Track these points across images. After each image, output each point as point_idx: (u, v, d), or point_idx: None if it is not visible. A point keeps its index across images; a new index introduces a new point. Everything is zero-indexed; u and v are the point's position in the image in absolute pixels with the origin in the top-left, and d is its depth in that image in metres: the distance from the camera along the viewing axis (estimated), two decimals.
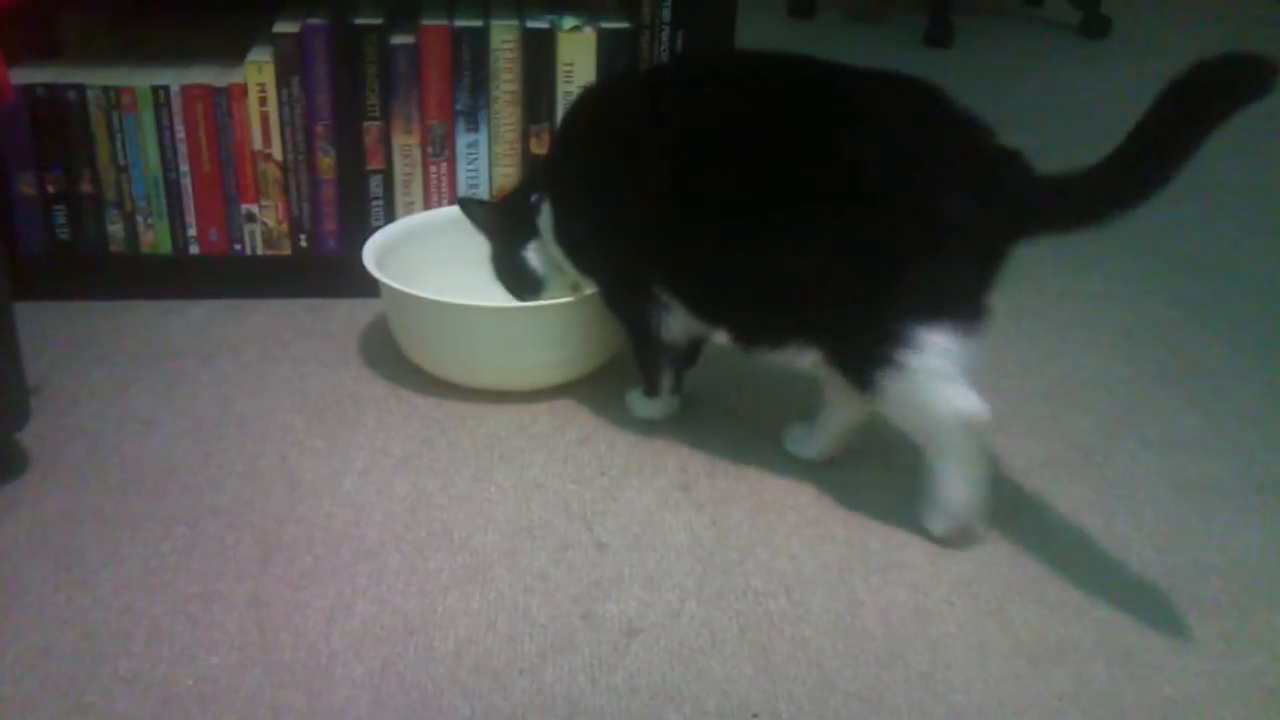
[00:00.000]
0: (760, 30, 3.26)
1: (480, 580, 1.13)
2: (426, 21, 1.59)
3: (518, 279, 1.45)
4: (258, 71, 1.56)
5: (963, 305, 1.15)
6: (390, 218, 1.63)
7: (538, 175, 1.47)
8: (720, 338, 1.29)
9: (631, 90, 1.38)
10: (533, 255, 1.43)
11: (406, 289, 1.39)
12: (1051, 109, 2.69)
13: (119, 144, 1.58)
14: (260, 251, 1.65)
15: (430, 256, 1.56)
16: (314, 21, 1.55)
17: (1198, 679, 1.03)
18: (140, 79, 1.57)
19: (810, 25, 3.45)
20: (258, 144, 1.59)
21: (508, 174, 1.64)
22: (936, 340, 1.13)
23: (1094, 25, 3.30)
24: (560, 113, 1.61)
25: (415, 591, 1.11)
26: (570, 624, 1.08)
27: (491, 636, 1.06)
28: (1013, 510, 1.25)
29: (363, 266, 1.44)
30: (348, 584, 1.12)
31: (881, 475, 1.30)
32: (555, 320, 1.40)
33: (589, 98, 1.42)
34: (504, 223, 1.46)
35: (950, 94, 1.18)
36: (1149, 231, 1.96)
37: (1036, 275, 1.80)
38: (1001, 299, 1.72)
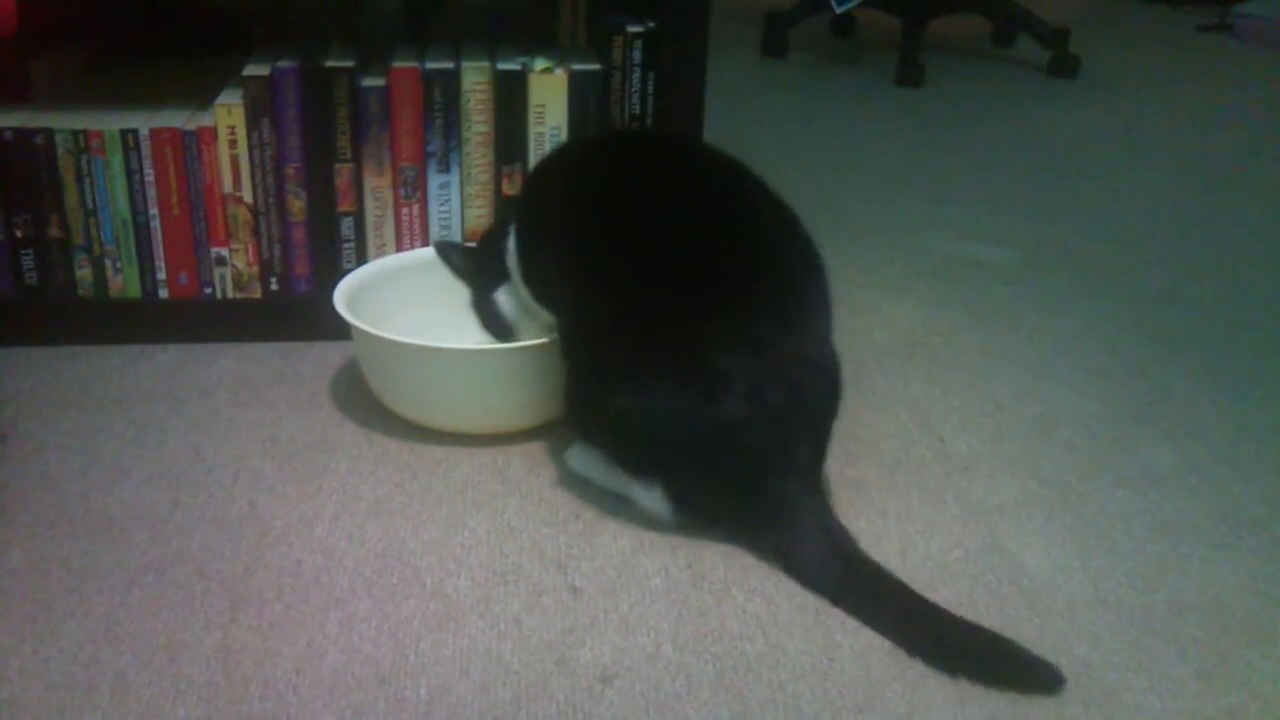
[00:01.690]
0: (732, 71, 3.29)
1: (453, 627, 1.11)
2: (397, 64, 1.58)
3: (492, 322, 1.46)
4: (228, 114, 1.56)
5: (696, 494, 1.23)
6: (362, 260, 1.62)
7: (509, 217, 1.48)
8: None
9: (583, 154, 1.45)
10: (503, 299, 1.44)
11: (378, 332, 1.38)
12: (1021, 147, 2.71)
13: (87, 188, 1.57)
14: (230, 295, 1.64)
15: (402, 299, 1.55)
16: (284, 64, 1.55)
17: (1177, 718, 1.03)
18: (109, 122, 1.56)
19: (782, 65, 3.48)
20: (228, 187, 1.59)
21: (480, 215, 1.64)
22: (646, 494, 1.24)
23: (1063, 64, 3.34)
24: (533, 154, 1.61)
25: (387, 639, 1.09)
26: (544, 670, 1.06)
27: (464, 684, 1.04)
28: (989, 549, 1.24)
29: (334, 309, 1.44)
30: (318, 632, 1.10)
31: (854, 516, 1.29)
32: (528, 362, 1.39)
33: (556, 153, 1.50)
34: (477, 266, 1.47)
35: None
36: (1120, 269, 1.98)
37: (1009, 315, 1.81)
38: (976, 341, 1.73)
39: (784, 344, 1.20)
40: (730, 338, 1.18)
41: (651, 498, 1.24)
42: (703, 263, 1.22)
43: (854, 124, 2.89)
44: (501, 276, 1.43)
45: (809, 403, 1.22)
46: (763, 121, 2.89)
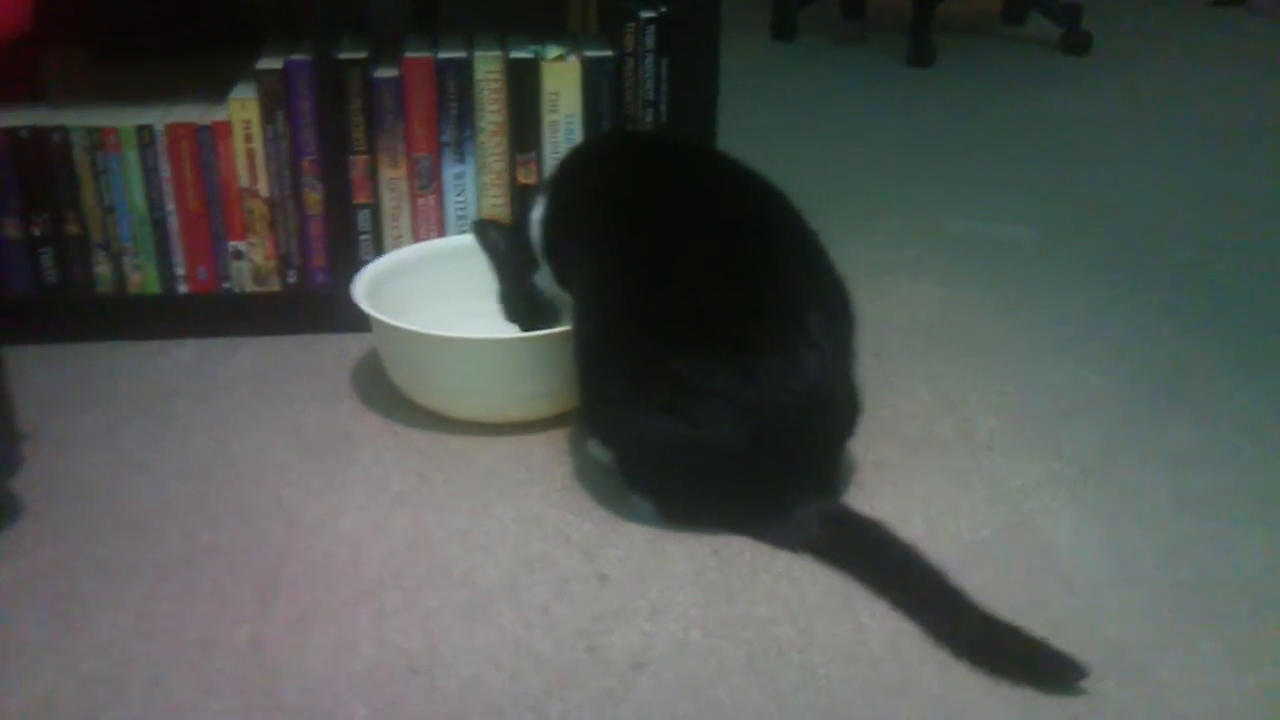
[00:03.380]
0: (743, 55, 3.27)
1: (482, 616, 1.11)
2: (410, 54, 1.58)
3: (528, 307, 1.47)
4: (242, 108, 1.56)
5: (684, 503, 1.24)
6: (379, 251, 1.62)
7: (541, 188, 1.49)
8: None
9: (606, 151, 1.48)
10: (543, 281, 1.45)
11: (398, 323, 1.38)
12: (1035, 125, 2.70)
13: (104, 185, 1.57)
14: (249, 289, 1.64)
15: (420, 289, 1.55)
16: (298, 57, 1.55)
17: (1210, 694, 1.03)
18: (124, 119, 1.56)
19: (793, 48, 3.46)
20: (244, 181, 1.59)
21: (496, 204, 1.64)
22: (639, 503, 1.25)
23: (1075, 42, 3.32)
24: (547, 142, 1.61)
25: (417, 630, 1.10)
26: (575, 658, 1.06)
27: (495, 674, 1.05)
28: (1015, 530, 1.24)
29: (353, 301, 1.44)
30: (349, 624, 1.10)
31: (879, 497, 1.29)
32: (549, 351, 1.39)
33: (587, 144, 1.54)
34: (516, 247, 1.47)
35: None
36: (1137, 246, 1.97)
37: (1029, 294, 1.80)
38: (996, 320, 1.73)
39: (791, 372, 1.18)
40: (737, 367, 1.17)
41: (644, 508, 1.25)
42: (718, 284, 1.22)
43: (867, 106, 2.88)
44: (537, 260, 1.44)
45: (813, 434, 1.21)
46: (775, 105, 2.88)
